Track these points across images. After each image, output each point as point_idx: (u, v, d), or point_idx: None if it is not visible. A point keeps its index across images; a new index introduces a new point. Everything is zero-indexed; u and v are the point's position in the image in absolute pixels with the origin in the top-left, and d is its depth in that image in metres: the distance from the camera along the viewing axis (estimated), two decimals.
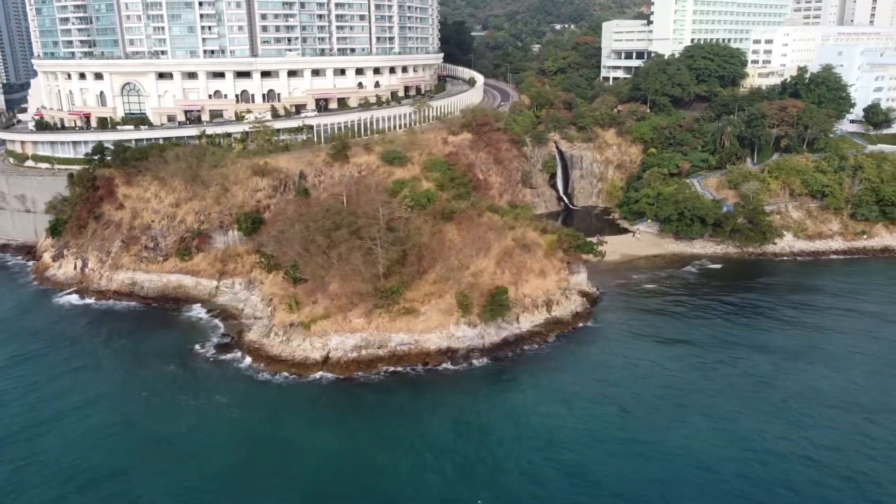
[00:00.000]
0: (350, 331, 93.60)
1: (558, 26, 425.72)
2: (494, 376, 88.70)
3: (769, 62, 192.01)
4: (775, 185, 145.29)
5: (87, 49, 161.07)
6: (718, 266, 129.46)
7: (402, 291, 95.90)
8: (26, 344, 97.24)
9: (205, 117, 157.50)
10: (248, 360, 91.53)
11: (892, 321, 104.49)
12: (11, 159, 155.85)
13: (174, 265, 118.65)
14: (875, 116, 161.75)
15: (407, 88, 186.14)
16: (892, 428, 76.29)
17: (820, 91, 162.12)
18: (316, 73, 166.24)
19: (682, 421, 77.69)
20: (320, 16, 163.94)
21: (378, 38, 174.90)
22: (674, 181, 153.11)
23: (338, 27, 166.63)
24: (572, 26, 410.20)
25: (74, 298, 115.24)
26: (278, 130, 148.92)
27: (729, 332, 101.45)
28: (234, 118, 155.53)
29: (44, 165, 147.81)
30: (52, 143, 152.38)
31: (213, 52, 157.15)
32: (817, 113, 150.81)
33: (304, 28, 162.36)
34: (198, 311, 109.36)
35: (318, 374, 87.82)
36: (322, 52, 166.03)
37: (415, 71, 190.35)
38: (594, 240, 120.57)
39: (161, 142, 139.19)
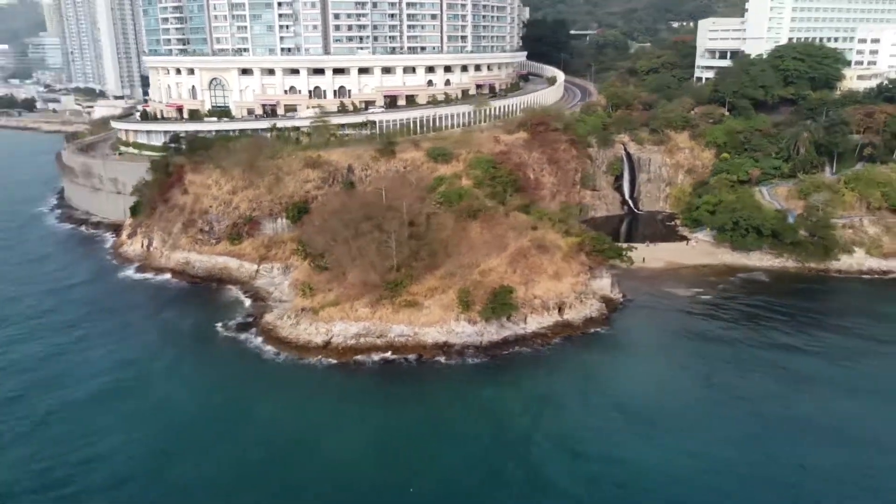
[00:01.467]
0: (355, 319, 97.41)
1: (676, 24, 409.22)
2: (481, 373, 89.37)
3: (874, 63, 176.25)
4: (851, 198, 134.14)
5: (182, 47, 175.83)
6: (766, 280, 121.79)
7: (406, 285, 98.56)
8: (76, 309, 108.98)
9: (280, 111, 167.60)
10: (259, 339, 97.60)
11: None
12: (121, 147, 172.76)
13: (224, 248, 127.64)
14: None
15: (480, 86, 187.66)
16: None
17: None
18: (386, 70, 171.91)
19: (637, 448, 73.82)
20: (392, 15, 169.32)
21: (449, 37, 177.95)
22: (742, 189, 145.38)
23: (409, 26, 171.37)
24: (692, 24, 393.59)
25: (135, 273, 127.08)
26: (343, 125, 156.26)
27: (752, 354, 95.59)
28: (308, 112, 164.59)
29: (134, 152, 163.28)
30: (146, 132, 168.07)
31: (289, 49, 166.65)
32: None
33: (375, 27, 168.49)
34: (235, 292, 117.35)
35: (317, 358, 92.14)
36: (392, 51, 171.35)
37: (489, 69, 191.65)
38: (628, 245, 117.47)
39: (235, 133, 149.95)
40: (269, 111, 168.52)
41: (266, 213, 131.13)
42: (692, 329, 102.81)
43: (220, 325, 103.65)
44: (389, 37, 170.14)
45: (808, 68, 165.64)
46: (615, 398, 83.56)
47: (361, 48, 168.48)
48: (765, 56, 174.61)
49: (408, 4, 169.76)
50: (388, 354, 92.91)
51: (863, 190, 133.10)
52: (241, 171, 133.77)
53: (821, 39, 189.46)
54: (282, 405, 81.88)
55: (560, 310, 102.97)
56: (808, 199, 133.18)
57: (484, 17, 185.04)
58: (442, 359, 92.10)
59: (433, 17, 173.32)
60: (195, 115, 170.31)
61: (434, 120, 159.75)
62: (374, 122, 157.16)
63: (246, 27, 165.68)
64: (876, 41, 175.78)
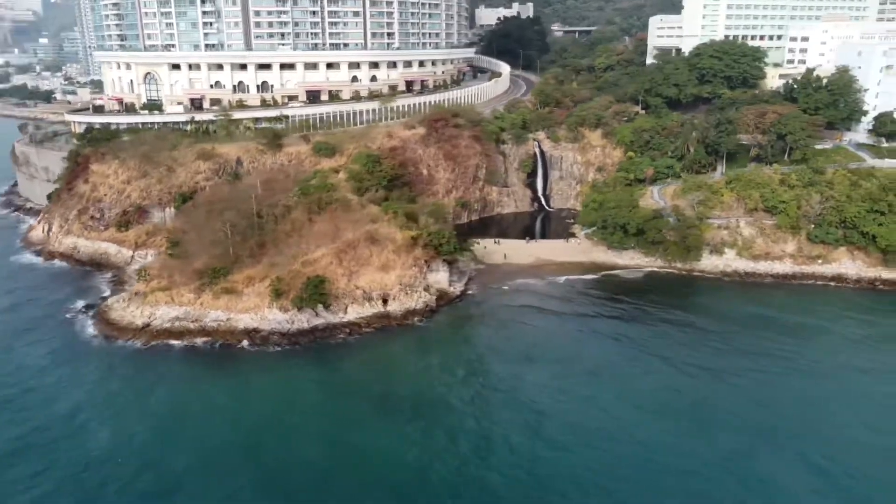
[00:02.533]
0: (178, 304, 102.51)
1: None
2: (267, 359, 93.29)
3: (804, 62, 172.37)
4: (729, 198, 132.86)
5: (120, 42, 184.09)
6: (625, 277, 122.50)
7: (226, 273, 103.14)
8: None
9: (206, 105, 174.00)
10: (91, 322, 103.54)
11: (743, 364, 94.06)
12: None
13: (110, 235, 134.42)
14: (883, 126, 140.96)
15: (410, 83, 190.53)
16: None
17: (819, 96, 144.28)
18: (310, 66, 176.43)
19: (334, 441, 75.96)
20: (313, 12, 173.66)
21: (374, 34, 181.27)
22: (624, 188, 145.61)
23: (330, 23, 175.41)
24: None
25: (30, 256, 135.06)
26: (259, 119, 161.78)
27: (556, 344, 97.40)
28: (229, 107, 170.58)
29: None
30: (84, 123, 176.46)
31: (213, 45, 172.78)
32: (794, 120, 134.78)
33: (296, 24, 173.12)
34: (105, 277, 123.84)
35: (129, 341, 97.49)
36: (315, 47, 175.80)
37: (421, 66, 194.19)
38: (482, 241, 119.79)
39: (141, 126, 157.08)
40: (198, 105, 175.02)
41: (155, 202, 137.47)
42: (509, 323, 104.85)
43: (69, 306, 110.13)
44: (311, 33, 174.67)
45: (724, 66, 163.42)
46: (378, 388, 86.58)
47: (283, 44, 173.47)
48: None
49: (329, 1, 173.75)
50: (198, 339, 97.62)
51: (741, 191, 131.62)
52: (138, 161, 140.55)
53: (761, 38, 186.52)
54: (62, 381, 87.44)
55: (385, 301, 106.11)
56: (681, 198, 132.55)
57: (413, 14, 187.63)
58: (245, 344, 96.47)
59: (355, 14, 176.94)
60: (131, 108, 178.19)
61: (344, 116, 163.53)
62: (287, 117, 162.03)
63: (173, 24, 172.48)
64: (805, 39, 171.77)
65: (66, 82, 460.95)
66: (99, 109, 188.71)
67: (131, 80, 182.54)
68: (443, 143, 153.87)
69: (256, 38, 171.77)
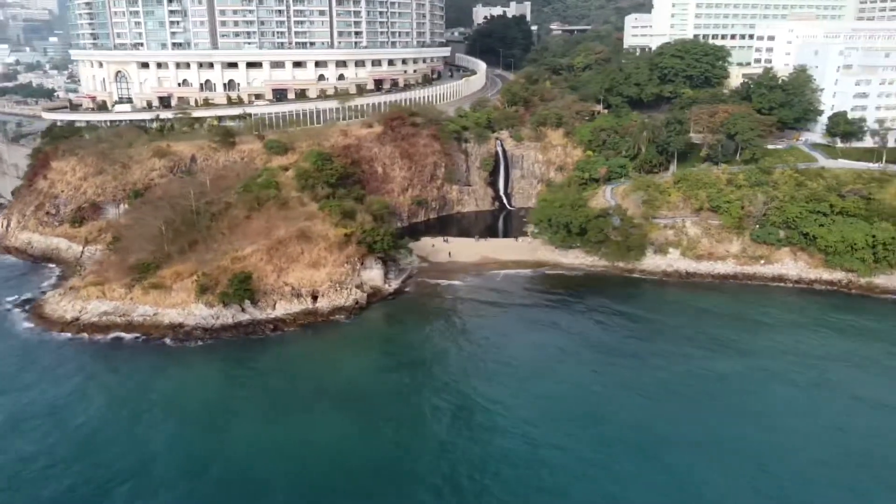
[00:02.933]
0: (109, 298, 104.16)
1: None
2: (191, 354, 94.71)
3: (770, 62, 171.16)
4: (676, 198, 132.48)
5: (93, 41, 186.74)
6: (560, 275, 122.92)
7: (155, 269, 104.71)
8: None
9: (174, 103, 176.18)
10: (25, 315, 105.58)
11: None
12: None
13: (63, 230, 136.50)
14: (836, 126, 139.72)
15: (380, 81, 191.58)
16: None
17: (773, 95, 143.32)
18: (276, 64, 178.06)
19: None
20: (279, 11, 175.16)
21: (341, 33, 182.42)
22: (593, 186, 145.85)
23: (296, 22, 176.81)
24: None
25: None
26: (222, 117, 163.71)
27: (487, 343, 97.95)
28: (196, 105, 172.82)
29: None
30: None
31: (179, 44, 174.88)
32: (743, 120, 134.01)
33: (262, 23, 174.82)
34: (52, 271, 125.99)
35: (58, 333, 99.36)
36: (281, 46, 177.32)
37: (391, 64, 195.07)
38: (431, 239, 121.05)
39: (109, 123, 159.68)
40: (167, 103, 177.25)
41: (110, 198, 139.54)
42: (435, 318, 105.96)
43: (10, 299, 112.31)
44: (277, 32, 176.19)
45: (685, 66, 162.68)
46: (285, 381, 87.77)
47: (249, 43, 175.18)
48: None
49: (295, 0, 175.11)
50: (124, 333, 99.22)
51: (688, 190, 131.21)
52: (95, 159, 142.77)
53: (732, 37, 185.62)
54: None
55: (315, 298, 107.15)
56: (628, 198, 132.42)
57: (381, 13, 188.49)
58: (168, 340, 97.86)
59: (321, 13, 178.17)
60: (103, 106, 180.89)
61: (305, 115, 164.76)
62: (250, 115, 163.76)
63: (141, 23, 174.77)
64: (771, 38, 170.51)
65: (69, 80, 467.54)
66: (76, 107, 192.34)
67: (104, 79, 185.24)
68: (399, 142, 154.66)
69: (222, 36, 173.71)
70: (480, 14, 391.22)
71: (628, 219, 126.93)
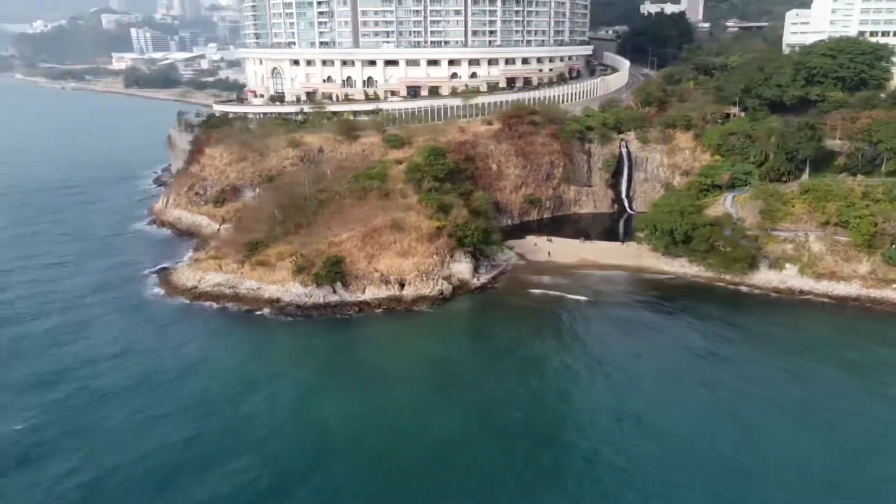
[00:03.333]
0: (224, 272, 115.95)
1: None
2: (281, 327, 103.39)
3: None
4: (801, 209, 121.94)
5: (256, 40, 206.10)
6: (662, 284, 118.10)
7: (262, 248, 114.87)
8: (68, 243, 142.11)
9: (319, 97, 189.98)
10: (155, 280, 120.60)
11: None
12: None
13: (207, 210, 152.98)
14: None
15: (512, 80, 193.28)
16: None
17: None
18: (411, 62, 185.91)
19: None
20: (416, 11, 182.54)
21: (475, 32, 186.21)
22: (715, 193, 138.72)
23: (432, 21, 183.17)
24: None
25: (144, 225, 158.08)
26: (357, 112, 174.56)
27: (555, 347, 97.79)
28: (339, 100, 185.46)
29: None
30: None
31: (325, 43, 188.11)
32: (886, 127, 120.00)
33: (400, 23, 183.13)
34: (192, 244, 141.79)
35: (177, 298, 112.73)
36: (417, 45, 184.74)
37: (525, 63, 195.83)
38: (534, 238, 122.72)
39: (256, 116, 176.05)
40: (313, 98, 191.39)
41: (248, 182, 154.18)
42: (513, 316, 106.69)
43: (152, 267, 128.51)
44: (414, 31, 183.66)
45: (836, 66, 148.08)
46: (350, 358, 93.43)
47: (387, 42, 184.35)
48: None
49: (431, 1, 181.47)
50: (230, 303, 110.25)
51: (814, 202, 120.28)
52: (238, 147, 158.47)
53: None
54: (112, 320, 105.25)
55: (402, 285, 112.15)
56: (746, 207, 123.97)
57: (517, 12, 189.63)
58: (266, 311, 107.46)
59: (457, 12, 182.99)
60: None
61: (432, 111, 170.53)
62: (381, 110, 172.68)
63: (294, 23, 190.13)
64: None
65: None
66: (242, 100, 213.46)
67: (262, 75, 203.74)
68: (516, 140, 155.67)
69: (363, 36, 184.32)
70: (649, 11, 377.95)
71: (739, 229, 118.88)
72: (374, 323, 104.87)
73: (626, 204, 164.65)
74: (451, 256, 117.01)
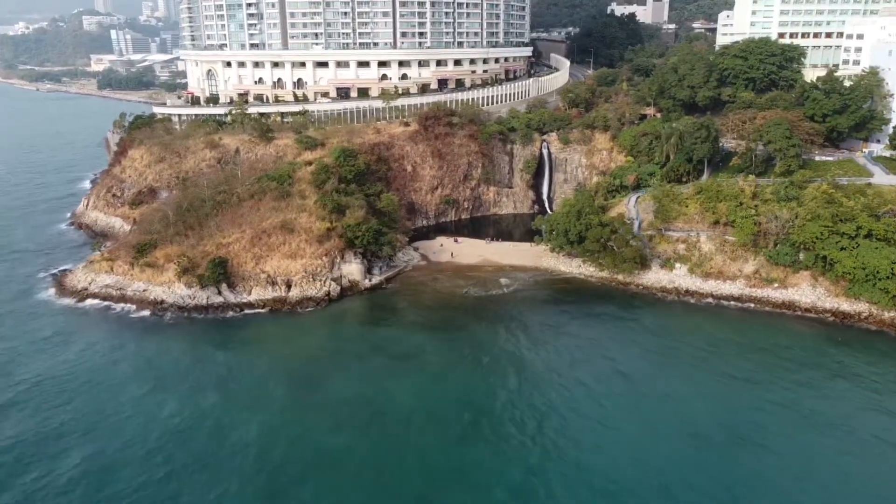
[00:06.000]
0: (115, 273, 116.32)
1: None
2: (157, 328, 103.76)
3: (858, 63, 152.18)
4: (694, 209, 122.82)
5: (192, 42, 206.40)
6: (547, 283, 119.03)
7: (150, 250, 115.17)
8: None
9: (251, 99, 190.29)
10: (50, 281, 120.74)
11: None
12: None
13: (122, 212, 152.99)
14: None
15: (444, 81, 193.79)
16: None
17: (828, 101, 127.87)
18: (341, 64, 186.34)
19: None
20: (345, 13, 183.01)
21: (404, 34, 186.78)
22: (623, 194, 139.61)
23: (360, 23, 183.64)
24: None
25: (64, 226, 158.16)
26: (284, 114, 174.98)
27: (424, 345, 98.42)
28: (269, 101, 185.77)
29: None
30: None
31: (256, 45, 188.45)
32: (776, 128, 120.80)
33: (328, 24, 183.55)
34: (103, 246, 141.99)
35: (67, 301, 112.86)
36: (346, 46, 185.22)
37: (457, 64, 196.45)
38: (441, 238, 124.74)
39: (193, 118, 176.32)
40: (245, 100, 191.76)
41: (165, 184, 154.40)
42: (394, 317, 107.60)
43: (53, 269, 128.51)
44: (342, 33, 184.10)
45: (747, 67, 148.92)
46: (233, 360, 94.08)
47: (316, 43, 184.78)
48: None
49: (359, 3, 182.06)
50: (116, 304, 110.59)
51: (706, 202, 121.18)
52: (158, 148, 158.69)
53: (827, 35, 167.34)
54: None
55: (289, 286, 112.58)
56: (642, 207, 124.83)
57: (447, 13, 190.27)
58: (146, 313, 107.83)
59: (385, 14, 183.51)
60: (196, 101, 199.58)
61: (357, 113, 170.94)
62: (307, 112, 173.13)
63: (225, 25, 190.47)
64: (861, 37, 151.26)
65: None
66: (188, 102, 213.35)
67: (198, 77, 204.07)
68: (433, 141, 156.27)
69: (292, 37, 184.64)
70: (617, 13, 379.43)
71: (628, 229, 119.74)
72: (254, 324, 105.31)
73: (547, 205, 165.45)
74: (342, 258, 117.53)
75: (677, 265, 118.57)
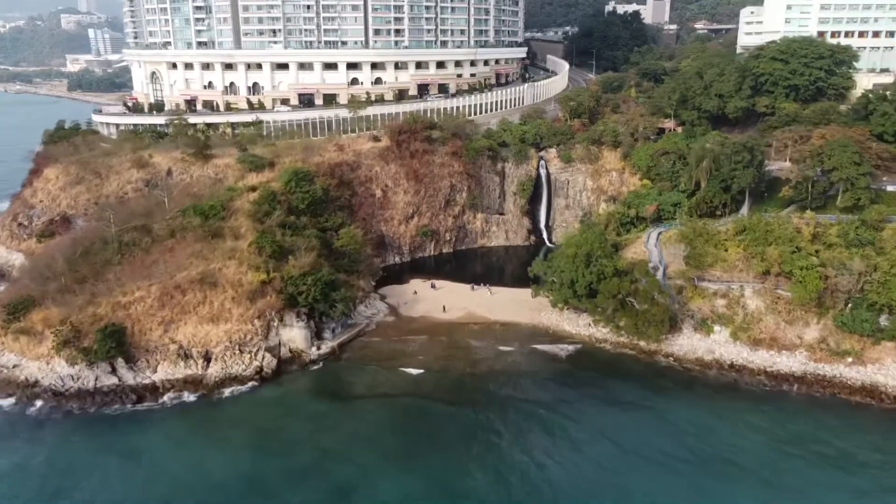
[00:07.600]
0: None
1: None
2: (21, 425, 75.94)
3: None
4: (735, 254, 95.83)
5: (135, 40, 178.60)
6: (548, 355, 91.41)
7: (26, 310, 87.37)
8: None
9: (199, 107, 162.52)
10: None
11: None
12: None
13: (28, 246, 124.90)
14: None
15: (425, 86, 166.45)
16: None
17: None
18: (304, 66, 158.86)
19: None
20: (307, 6, 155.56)
21: (377, 31, 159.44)
22: (640, 227, 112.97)
23: (325, 18, 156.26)
24: None
25: None
26: (234, 124, 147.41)
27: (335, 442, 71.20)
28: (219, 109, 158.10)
29: None
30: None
31: (203, 43, 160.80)
32: (841, 150, 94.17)
33: (288, 20, 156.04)
34: None
35: None
36: (309, 45, 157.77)
37: (440, 67, 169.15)
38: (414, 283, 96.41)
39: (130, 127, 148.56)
40: (193, 107, 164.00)
41: (81, 211, 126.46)
42: (352, 403, 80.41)
43: None
44: (305, 30, 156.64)
45: (789, 73, 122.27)
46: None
47: (274, 42, 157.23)
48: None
49: None
50: None
51: (752, 245, 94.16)
52: (76, 167, 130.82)
53: (874, 34, 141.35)
54: None
55: (208, 361, 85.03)
56: (668, 249, 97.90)
57: (428, 8, 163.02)
58: (10, 401, 79.94)
59: (354, 7, 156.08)
60: (139, 108, 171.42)
61: (320, 124, 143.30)
62: (262, 122, 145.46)
63: (169, 20, 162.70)
64: None
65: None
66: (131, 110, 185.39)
67: (142, 80, 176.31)
68: (407, 160, 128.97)
69: (245, 35, 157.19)
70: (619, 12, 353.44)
71: (653, 281, 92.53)
72: (150, 423, 76.99)
73: (545, 235, 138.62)
74: (281, 320, 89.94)
75: (716, 328, 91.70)
